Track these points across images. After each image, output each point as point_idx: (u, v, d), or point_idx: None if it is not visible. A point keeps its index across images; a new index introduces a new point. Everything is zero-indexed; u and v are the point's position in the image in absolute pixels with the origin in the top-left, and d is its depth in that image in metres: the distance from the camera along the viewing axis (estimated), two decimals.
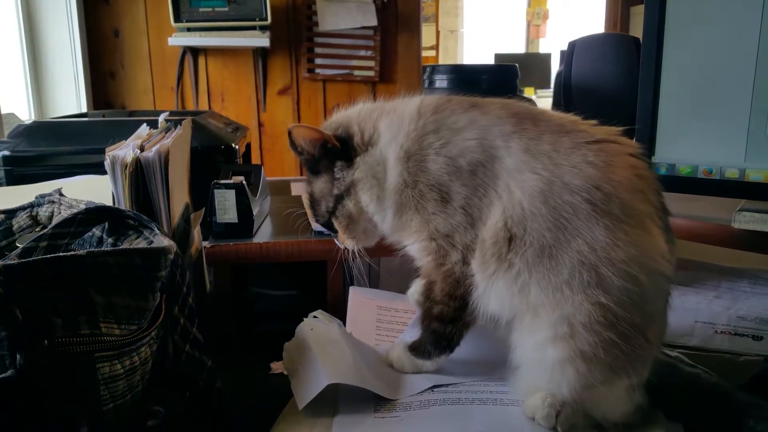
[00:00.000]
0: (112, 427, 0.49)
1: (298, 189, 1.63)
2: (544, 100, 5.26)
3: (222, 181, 1.01)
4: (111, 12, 2.77)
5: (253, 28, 2.68)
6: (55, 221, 0.65)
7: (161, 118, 0.84)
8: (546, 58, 5.96)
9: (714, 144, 0.95)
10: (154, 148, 0.68)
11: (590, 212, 0.61)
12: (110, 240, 0.62)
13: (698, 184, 0.97)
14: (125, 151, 0.68)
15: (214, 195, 1.00)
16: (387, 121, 0.73)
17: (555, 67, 5.21)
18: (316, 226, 0.96)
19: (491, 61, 5.64)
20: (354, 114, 0.77)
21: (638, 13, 5.10)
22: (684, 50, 0.96)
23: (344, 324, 0.84)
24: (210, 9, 2.64)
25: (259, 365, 0.86)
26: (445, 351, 0.73)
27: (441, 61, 6.13)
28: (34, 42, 2.50)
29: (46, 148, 1.18)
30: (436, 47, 6.33)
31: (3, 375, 0.43)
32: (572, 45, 3.62)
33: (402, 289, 0.85)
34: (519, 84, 2.89)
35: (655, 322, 0.64)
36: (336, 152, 0.74)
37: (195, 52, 2.83)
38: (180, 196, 0.75)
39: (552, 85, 4.53)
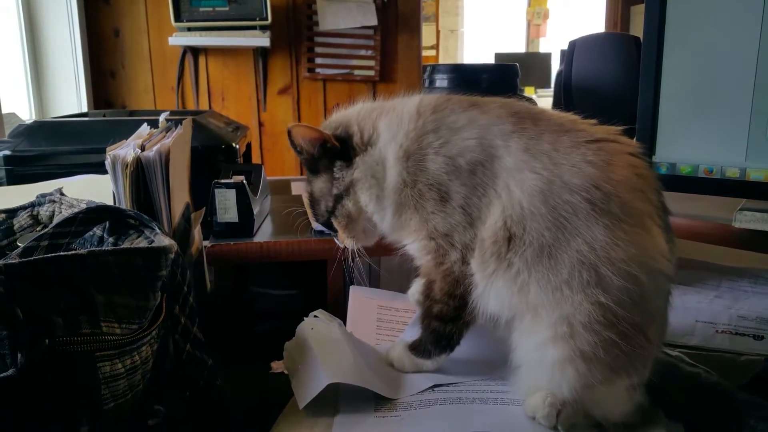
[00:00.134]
0: (113, 426, 0.49)
1: (298, 188, 1.63)
2: (544, 99, 5.25)
3: (222, 181, 1.01)
4: (111, 12, 2.77)
5: (253, 27, 2.68)
6: (56, 221, 0.65)
7: (162, 118, 0.84)
8: (546, 58, 5.95)
9: (715, 143, 0.95)
10: (154, 148, 0.68)
11: (590, 211, 0.61)
12: (111, 239, 0.62)
13: (699, 184, 0.97)
14: (126, 150, 0.68)
15: (215, 194, 1.00)
16: (386, 121, 0.73)
17: (555, 66, 5.20)
18: (317, 226, 0.96)
19: (491, 60, 5.63)
20: (353, 113, 0.77)
21: (639, 12, 5.10)
22: (685, 49, 0.96)
23: (345, 323, 0.84)
24: (210, 9, 2.64)
25: (259, 364, 0.86)
26: (445, 350, 0.73)
27: (441, 61, 6.12)
28: (35, 42, 2.50)
29: (47, 148, 1.18)
30: (436, 47, 6.32)
31: (4, 374, 0.43)
32: (572, 44, 3.61)
33: (402, 288, 0.85)
34: (519, 83, 2.88)
35: (655, 321, 0.64)
36: (335, 152, 0.74)
37: (195, 51, 2.83)
38: (181, 196, 0.75)
39: (552, 84, 4.52)
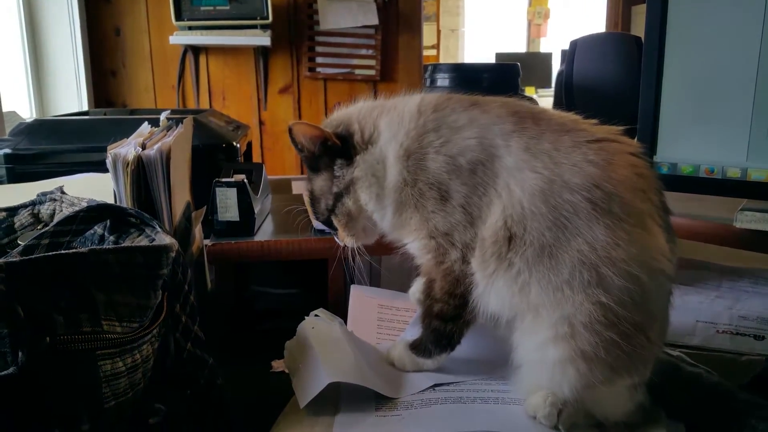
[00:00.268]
0: (114, 425, 0.49)
1: (299, 187, 1.63)
2: (545, 99, 5.25)
3: (223, 180, 1.01)
4: (112, 10, 2.77)
5: (254, 26, 2.68)
6: (56, 219, 0.65)
7: (162, 117, 0.84)
8: (547, 58, 5.95)
9: (716, 143, 0.95)
10: (155, 147, 0.68)
11: (590, 211, 0.61)
12: (112, 238, 0.62)
13: (700, 184, 0.97)
14: (127, 149, 0.68)
15: (216, 193, 1.00)
16: (387, 120, 0.73)
17: (556, 66, 5.20)
18: (317, 224, 0.96)
19: (492, 60, 5.63)
20: (354, 112, 0.77)
21: (640, 12, 5.10)
22: (686, 49, 0.95)
23: (345, 322, 0.84)
24: (211, 8, 2.64)
25: (260, 363, 0.86)
26: (445, 349, 0.73)
27: (442, 60, 6.12)
28: (36, 40, 2.50)
29: (48, 146, 1.18)
30: (436, 46, 6.32)
31: (5, 372, 0.43)
32: (573, 44, 3.61)
33: (403, 287, 0.85)
34: (520, 83, 2.88)
35: (656, 321, 0.64)
36: (336, 150, 0.74)
37: (196, 50, 2.83)
38: (181, 195, 0.75)
39: (553, 84, 4.52)
